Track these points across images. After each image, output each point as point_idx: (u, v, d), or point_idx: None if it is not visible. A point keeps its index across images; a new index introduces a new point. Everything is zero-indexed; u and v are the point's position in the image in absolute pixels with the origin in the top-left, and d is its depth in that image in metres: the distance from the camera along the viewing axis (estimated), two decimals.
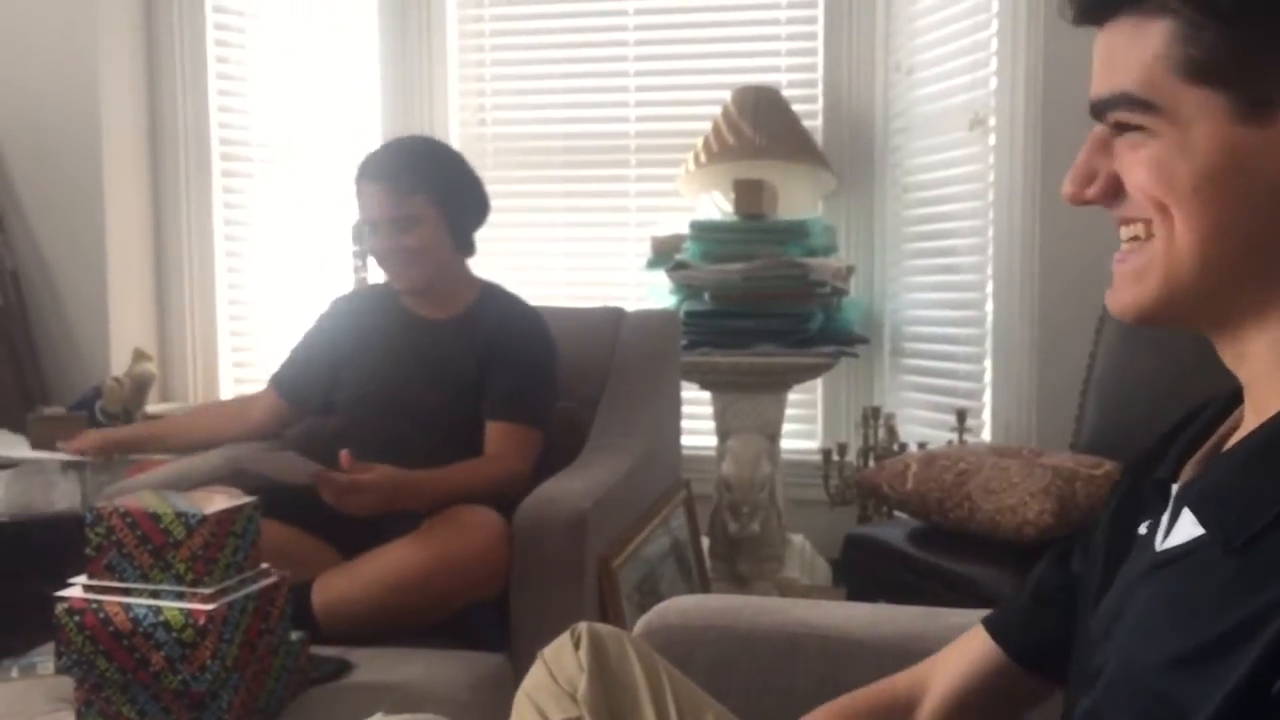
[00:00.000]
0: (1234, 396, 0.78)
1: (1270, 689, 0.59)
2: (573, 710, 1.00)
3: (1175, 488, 0.77)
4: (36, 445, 2.60)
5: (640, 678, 1.02)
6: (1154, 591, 0.73)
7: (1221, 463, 0.72)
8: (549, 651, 1.06)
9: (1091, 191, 0.73)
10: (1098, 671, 0.76)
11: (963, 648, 0.99)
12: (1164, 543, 0.75)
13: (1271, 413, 0.69)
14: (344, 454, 1.82)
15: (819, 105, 3.30)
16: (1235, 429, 0.76)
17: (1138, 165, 0.70)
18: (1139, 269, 0.72)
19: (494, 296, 2.21)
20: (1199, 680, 0.64)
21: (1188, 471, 0.77)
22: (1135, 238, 0.73)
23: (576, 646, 1.03)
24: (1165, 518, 0.76)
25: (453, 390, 2.07)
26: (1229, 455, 0.71)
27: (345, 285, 2.28)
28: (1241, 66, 0.65)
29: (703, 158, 3.03)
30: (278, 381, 2.27)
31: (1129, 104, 0.70)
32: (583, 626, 1.05)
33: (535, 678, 1.05)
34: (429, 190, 2.06)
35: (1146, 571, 0.75)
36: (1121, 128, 0.71)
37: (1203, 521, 0.69)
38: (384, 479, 1.82)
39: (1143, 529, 0.80)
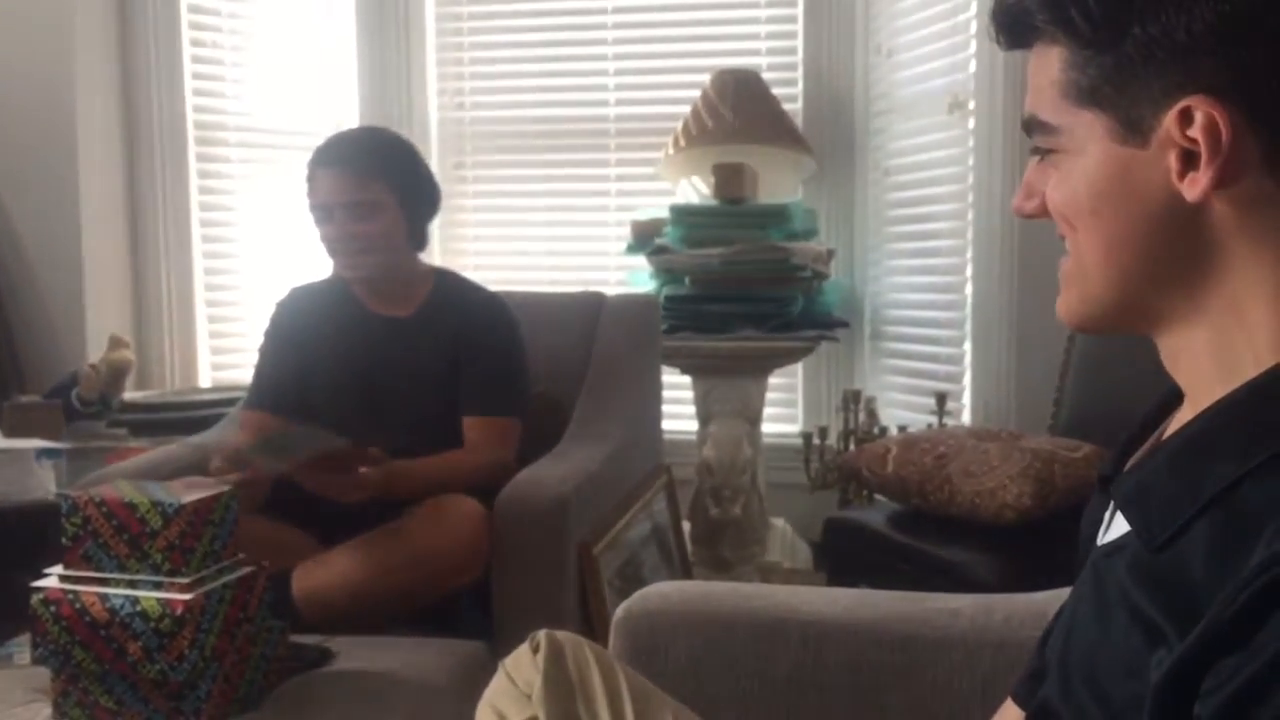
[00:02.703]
0: (1179, 395, 0.79)
1: (1186, 691, 0.60)
2: (529, 710, 1.02)
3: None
4: (11, 433, 2.58)
5: (597, 679, 1.04)
6: (1089, 588, 0.76)
7: (1149, 460, 0.73)
8: (510, 660, 1.08)
9: (1029, 206, 0.77)
10: (1050, 664, 0.79)
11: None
12: (1102, 537, 0.77)
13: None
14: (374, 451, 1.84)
15: (799, 88, 3.30)
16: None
17: (1050, 187, 0.74)
18: (1064, 279, 0.76)
19: (450, 286, 2.17)
20: (1128, 683, 0.66)
21: (1130, 466, 0.79)
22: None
23: (535, 653, 1.06)
24: (1107, 513, 0.78)
25: (426, 390, 2.05)
26: (1155, 453, 0.73)
27: (322, 272, 2.21)
28: (1116, 89, 0.68)
29: (682, 142, 3.02)
30: (259, 401, 2.14)
31: (1039, 127, 0.74)
32: (541, 634, 1.07)
33: (496, 686, 1.07)
34: (388, 177, 2.03)
35: (1088, 566, 0.78)
36: (1041, 149, 0.75)
37: (1128, 519, 0.71)
38: (374, 473, 1.83)
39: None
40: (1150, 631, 0.65)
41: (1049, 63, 0.72)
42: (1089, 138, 0.70)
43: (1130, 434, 0.82)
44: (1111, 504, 0.78)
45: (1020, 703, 0.96)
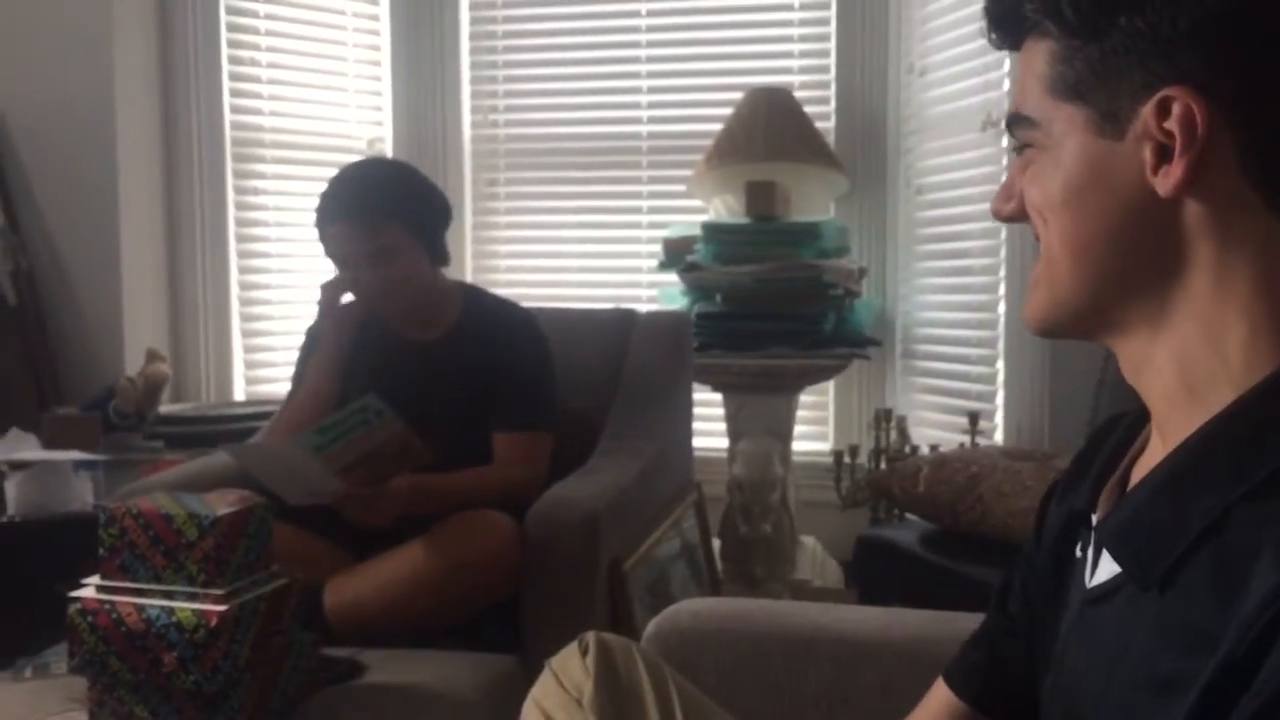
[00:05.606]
0: (1143, 413, 0.77)
1: None
2: (579, 716, 1.00)
3: (1095, 519, 0.77)
4: (50, 445, 2.61)
5: (646, 685, 1.03)
6: (1085, 635, 0.73)
7: (1131, 497, 0.71)
8: (557, 660, 1.06)
9: (1006, 208, 0.76)
10: (1053, 713, 0.76)
11: (929, 704, 0.98)
12: (1091, 579, 0.75)
13: (1177, 436, 0.68)
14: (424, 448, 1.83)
15: (831, 106, 3.30)
16: (1142, 450, 0.76)
17: (1027, 183, 0.74)
18: (1033, 282, 0.75)
19: (478, 305, 2.16)
20: None
21: (1103, 500, 0.77)
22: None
23: (584, 655, 1.04)
24: (1090, 552, 0.76)
25: (457, 412, 2.05)
26: (1138, 489, 0.70)
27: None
28: (1099, 80, 0.68)
29: (714, 159, 3.02)
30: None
31: (1019, 122, 0.73)
32: (590, 636, 1.06)
33: (543, 686, 1.05)
34: (398, 217, 1.99)
35: (1079, 609, 0.75)
36: (1021, 146, 0.75)
37: (1118, 560, 0.69)
38: (404, 485, 1.84)
39: (1078, 552, 0.80)
40: (1165, 680, 0.62)
41: (1036, 57, 0.71)
42: (1067, 131, 0.70)
43: (1103, 461, 0.80)
44: (1094, 541, 0.76)
45: (958, 689, 0.94)
